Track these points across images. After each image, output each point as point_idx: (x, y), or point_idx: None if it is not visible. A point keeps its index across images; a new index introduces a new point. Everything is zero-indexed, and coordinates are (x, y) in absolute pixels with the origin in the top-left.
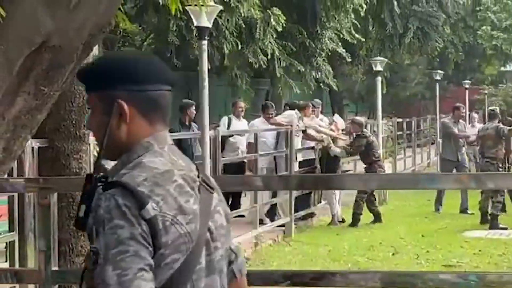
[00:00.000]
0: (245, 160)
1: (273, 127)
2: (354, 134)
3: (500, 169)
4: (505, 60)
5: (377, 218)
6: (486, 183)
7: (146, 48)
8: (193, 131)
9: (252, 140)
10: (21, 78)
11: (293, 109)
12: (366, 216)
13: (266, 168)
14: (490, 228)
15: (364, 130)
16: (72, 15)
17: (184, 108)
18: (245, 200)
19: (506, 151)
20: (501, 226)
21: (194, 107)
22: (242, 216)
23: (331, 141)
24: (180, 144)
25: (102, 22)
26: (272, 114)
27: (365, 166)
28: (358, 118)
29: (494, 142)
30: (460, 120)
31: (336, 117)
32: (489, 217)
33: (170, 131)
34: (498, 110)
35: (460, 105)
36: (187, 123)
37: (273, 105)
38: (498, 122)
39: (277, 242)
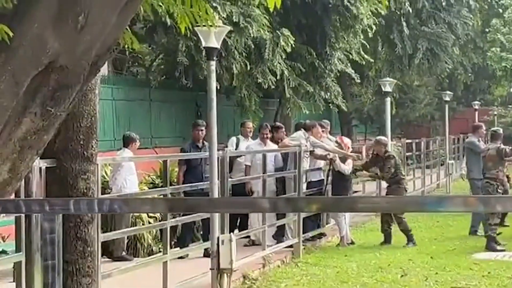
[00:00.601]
0: (245, 182)
1: (276, 147)
2: (373, 154)
3: (500, 191)
4: None
5: (387, 239)
6: (494, 206)
7: (156, 68)
8: (205, 151)
9: (249, 163)
10: (28, 99)
11: (300, 130)
12: (374, 237)
13: (258, 192)
14: (486, 249)
15: (388, 150)
16: (79, 36)
17: (193, 129)
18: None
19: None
20: (498, 248)
21: (202, 127)
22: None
23: (338, 159)
24: (190, 166)
25: (109, 42)
26: (267, 134)
27: (388, 186)
28: (383, 138)
29: (494, 163)
30: (480, 139)
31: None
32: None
33: (182, 151)
34: (501, 131)
35: (481, 124)
36: (198, 143)
37: (268, 125)
38: (500, 143)
39: (286, 263)
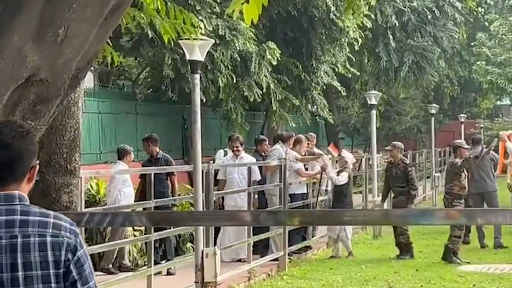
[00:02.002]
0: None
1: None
2: (389, 162)
3: (456, 205)
4: (500, 94)
5: (408, 252)
6: (476, 219)
7: (142, 82)
8: (162, 165)
9: (223, 177)
10: (8, 113)
11: (278, 142)
12: (360, 250)
13: (233, 207)
14: (444, 260)
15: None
16: (59, 49)
17: (144, 142)
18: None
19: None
20: (458, 261)
21: (150, 141)
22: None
23: (329, 168)
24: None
25: (89, 55)
26: (238, 147)
27: (394, 196)
28: (399, 143)
29: (449, 177)
30: None
31: (344, 152)
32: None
33: (143, 165)
34: (464, 144)
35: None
36: (151, 158)
37: (239, 137)
38: (460, 158)
39: (271, 276)
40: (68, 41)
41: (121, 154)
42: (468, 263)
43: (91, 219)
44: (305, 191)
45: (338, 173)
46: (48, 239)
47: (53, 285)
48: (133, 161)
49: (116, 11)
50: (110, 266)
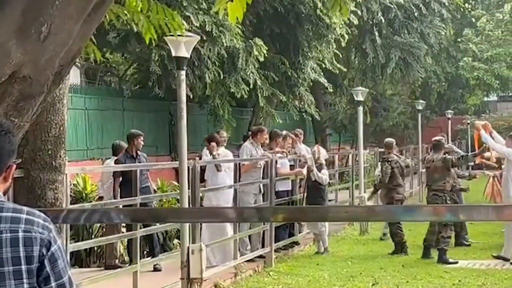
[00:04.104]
0: None
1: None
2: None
3: (448, 202)
4: (487, 90)
5: (402, 250)
6: (460, 215)
7: (129, 78)
8: (140, 162)
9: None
10: None
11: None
12: (347, 246)
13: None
14: (438, 262)
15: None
16: (42, 46)
17: (131, 139)
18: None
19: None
20: (450, 260)
21: (142, 138)
22: None
23: (313, 165)
24: (127, 176)
25: (73, 52)
26: (212, 146)
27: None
28: (389, 139)
29: (441, 174)
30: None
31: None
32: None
33: (117, 162)
34: (443, 141)
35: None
36: (133, 153)
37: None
38: (445, 154)
39: (257, 272)
40: (51, 37)
41: (117, 151)
42: (456, 262)
43: (68, 216)
44: (290, 188)
45: (318, 169)
46: (20, 234)
47: (25, 280)
48: None
49: (99, 8)
50: (116, 261)
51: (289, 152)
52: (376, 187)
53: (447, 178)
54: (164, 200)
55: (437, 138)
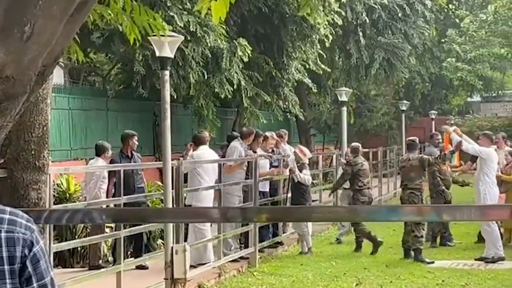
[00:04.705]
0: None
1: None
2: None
3: (424, 202)
4: (471, 91)
5: (374, 243)
6: (443, 216)
7: (113, 78)
8: (135, 162)
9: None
10: None
11: (235, 138)
12: (331, 246)
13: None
14: (405, 258)
15: (353, 159)
16: (25, 46)
17: (125, 139)
18: None
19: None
20: (427, 260)
21: (136, 138)
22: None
23: (295, 166)
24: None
25: (56, 52)
26: (190, 144)
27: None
28: (353, 144)
29: (417, 173)
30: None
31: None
32: (412, 252)
33: (112, 162)
34: (417, 140)
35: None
36: (128, 153)
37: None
38: (419, 153)
39: (241, 273)
40: (34, 37)
41: (100, 151)
42: (432, 262)
43: (50, 216)
44: (267, 189)
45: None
46: (3, 235)
47: (7, 281)
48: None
49: (82, 8)
50: (100, 261)
51: (272, 152)
52: (332, 189)
53: (423, 177)
54: (149, 200)
55: (411, 138)
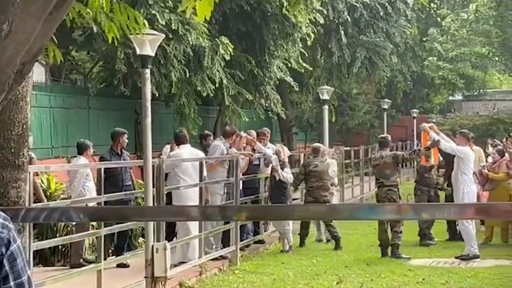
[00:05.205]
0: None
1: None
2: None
3: (401, 197)
4: (453, 89)
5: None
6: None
7: (95, 76)
8: (124, 159)
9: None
10: None
11: (219, 138)
12: (312, 244)
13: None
14: (392, 257)
15: (308, 160)
16: (3, 44)
17: (116, 136)
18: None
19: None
20: (403, 256)
21: (126, 136)
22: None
23: (278, 165)
24: (109, 174)
25: (34, 50)
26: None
27: None
28: (315, 145)
29: (392, 170)
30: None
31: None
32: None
33: (101, 159)
34: (389, 138)
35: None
36: (118, 151)
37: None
38: (390, 150)
39: (223, 271)
40: (12, 36)
41: (82, 149)
42: (409, 258)
43: (28, 214)
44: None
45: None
46: None
47: None
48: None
49: (61, 6)
50: (81, 260)
51: (253, 151)
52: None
53: (397, 174)
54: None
55: (383, 135)
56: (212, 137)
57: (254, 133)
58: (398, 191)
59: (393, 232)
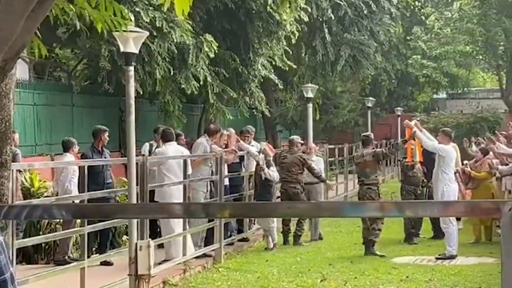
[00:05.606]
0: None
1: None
2: None
3: (380, 196)
4: (437, 87)
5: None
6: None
7: (80, 73)
8: (105, 157)
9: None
10: None
11: (203, 135)
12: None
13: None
14: (365, 254)
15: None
16: None
17: (97, 134)
18: None
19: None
20: (378, 253)
21: (107, 133)
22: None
23: (264, 163)
24: (92, 171)
25: (17, 47)
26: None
27: None
28: (293, 136)
29: (372, 168)
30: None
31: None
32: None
33: (83, 156)
34: (372, 136)
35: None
36: (100, 149)
37: (159, 128)
38: (373, 148)
39: (207, 269)
40: None
41: (67, 147)
42: (383, 256)
43: (10, 212)
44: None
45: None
46: None
47: None
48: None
49: (44, 3)
50: (66, 257)
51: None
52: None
53: (378, 172)
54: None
55: (365, 133)
56: (183, 137)
57: (233, 130)
58: (378, 189)
59: (371, 228)
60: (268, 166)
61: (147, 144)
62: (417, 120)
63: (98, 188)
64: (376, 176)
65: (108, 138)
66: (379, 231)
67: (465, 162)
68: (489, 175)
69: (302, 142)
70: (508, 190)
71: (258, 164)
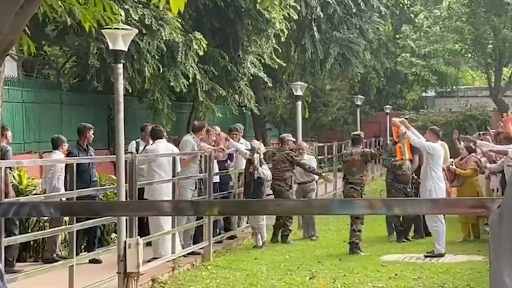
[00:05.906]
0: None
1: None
2: None
3: (363, 196)
4: (426, 86)
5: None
6: (394, 209)
7: (68, 71)
8: (91, 155)
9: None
10: None
11: (189, 133)
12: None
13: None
14: (351, 253)
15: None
16: None
17: (83, 131)
18: None
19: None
20: (362, 253)
21: (92, 131)
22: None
23: (258, 163)
24: (78, 169)
25: (5, 44)
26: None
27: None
28: (284, 135)
29: (359, 167)
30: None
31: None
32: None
33: (69, 154)
34: (362, 135)
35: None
36: (85, 146)
37: (147, 126)
38: (363, 147)
39: (196, 267)
40: None
41: (56, 144)
42: (368, 255)
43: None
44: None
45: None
46: None
47: None
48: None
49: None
50: (54, 255)
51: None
52: None
53: (365, 172)
54: (102, 194)
55: (356, 132)
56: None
57: (218, 128)
58: (361, 189)
59: (351, 230)
60: (261, 165)
61: (133, 142)
62: (406, 118)
63: (85, 186)
64: (361, 176)
65: (93, 136)
66: (359, 232)
67: (450, 160)
68: (474, 173)
69: (294, 140)
70: (496, 188)
71: (251, 162)
